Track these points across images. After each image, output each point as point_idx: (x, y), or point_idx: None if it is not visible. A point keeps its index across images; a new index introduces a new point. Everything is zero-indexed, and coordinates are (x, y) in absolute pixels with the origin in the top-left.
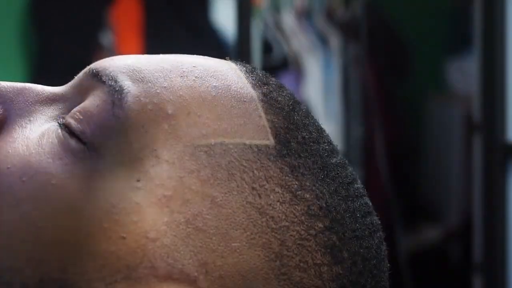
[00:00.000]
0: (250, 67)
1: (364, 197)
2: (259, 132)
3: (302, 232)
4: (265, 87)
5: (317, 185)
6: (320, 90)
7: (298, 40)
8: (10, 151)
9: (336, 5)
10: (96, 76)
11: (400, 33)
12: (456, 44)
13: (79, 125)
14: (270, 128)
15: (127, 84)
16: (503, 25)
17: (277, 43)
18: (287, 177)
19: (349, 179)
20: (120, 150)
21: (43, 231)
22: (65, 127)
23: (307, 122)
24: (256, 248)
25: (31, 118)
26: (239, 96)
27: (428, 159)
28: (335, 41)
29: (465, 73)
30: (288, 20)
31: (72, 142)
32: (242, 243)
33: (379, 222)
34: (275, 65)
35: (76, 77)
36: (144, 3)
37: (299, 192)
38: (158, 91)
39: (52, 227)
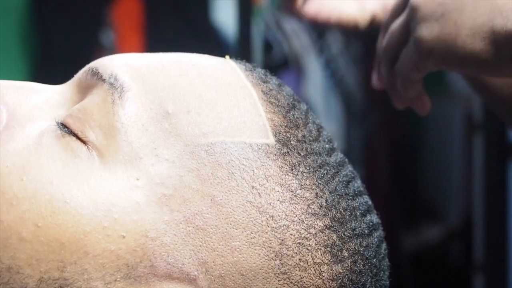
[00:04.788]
0: (250, 66)
1: (364, 196)
2: (259, 131)
3: (302, 231)
4: (265, 85)
5: (317, 183)
6: (320, 89)
7: (299, 40)
8: (9, 149)
9: None
10: (96, 74)
11: None
12: None
13: (78, 124)
14: (270, 126)
15: (127, 82)
16: None
17: (278, 43)
18: (287, 176)
19: (349, 178)
20: (120, 148)
21: (42, 230)
22: (65, 126)
23: (307, 121)
24: (256, 247)
25: (31, 117)
26: (239, 94)
27: (428, 159)
28: (335, 40)
29: None
30: (289, 19)
31: (72, 141)
32: (242, 242)
33: (379, 221)
34: (275, 65)
35: (76, 76)
36: (145, 2)
37: (299, 191)
38: (158, 89)
39: (52, 226)
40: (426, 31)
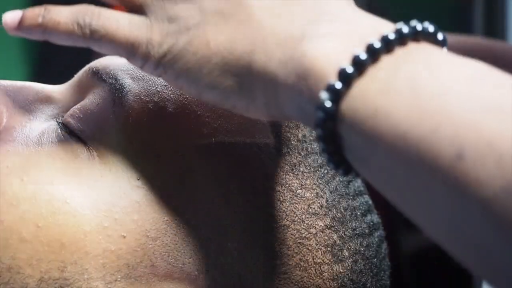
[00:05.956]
0: None
1: (365, 195)
2: (259, 131)
3: (303, 231)
4: None
5: (317, 183)
6: None
7: None
8: (9, 150)
9: None
10: (96, 74)
11: None
12: None
13: (79, 124)
14: (271, 126)
15: (127, 82)
16: (503, 25)
17: None
18: (287, 176)
19: (349, 177)
20: (121, 148)
21: (43, 230)
22: (65, 126)
23: None
24: (256, 247)
25: (31, 117)
26: None
27: None
28: None
29: None
30: None
31: (72, 141)
32: (242, 242)
33: (380, 220)
34: None
35: (76, 76)
36: None
37: (299, 190)
38: (158, 89)
39: (52, 226)
40: None
